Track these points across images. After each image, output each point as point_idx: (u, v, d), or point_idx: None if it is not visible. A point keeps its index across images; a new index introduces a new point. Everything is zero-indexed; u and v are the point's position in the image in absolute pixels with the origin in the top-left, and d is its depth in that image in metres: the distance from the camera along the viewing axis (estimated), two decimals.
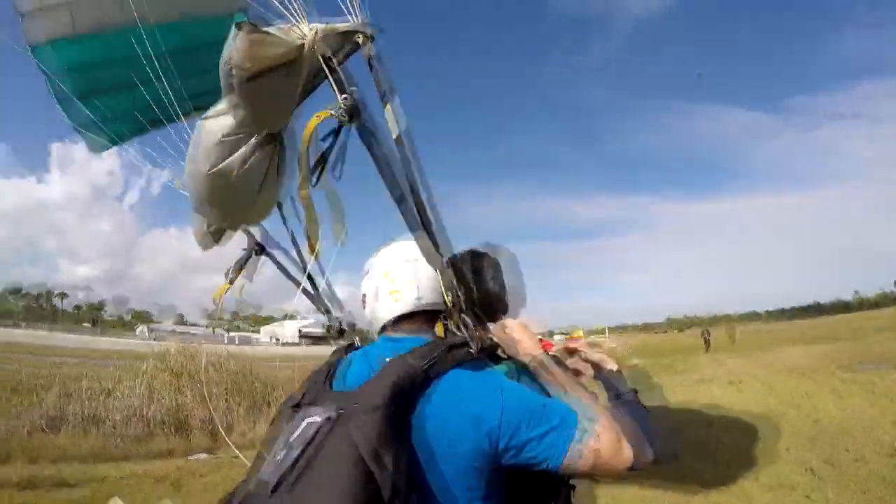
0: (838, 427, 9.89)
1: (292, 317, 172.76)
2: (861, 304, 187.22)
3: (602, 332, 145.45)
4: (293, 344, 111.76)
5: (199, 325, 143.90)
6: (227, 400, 12.60)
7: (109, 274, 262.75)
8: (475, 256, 2.19)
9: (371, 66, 2.15)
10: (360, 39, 2.14)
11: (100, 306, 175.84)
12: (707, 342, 44.10)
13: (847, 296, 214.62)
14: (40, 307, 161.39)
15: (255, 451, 6.00)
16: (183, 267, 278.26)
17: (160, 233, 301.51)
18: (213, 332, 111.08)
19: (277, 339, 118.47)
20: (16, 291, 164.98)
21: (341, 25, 2.08)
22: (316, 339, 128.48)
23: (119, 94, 5.30)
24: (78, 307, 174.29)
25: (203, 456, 9.58)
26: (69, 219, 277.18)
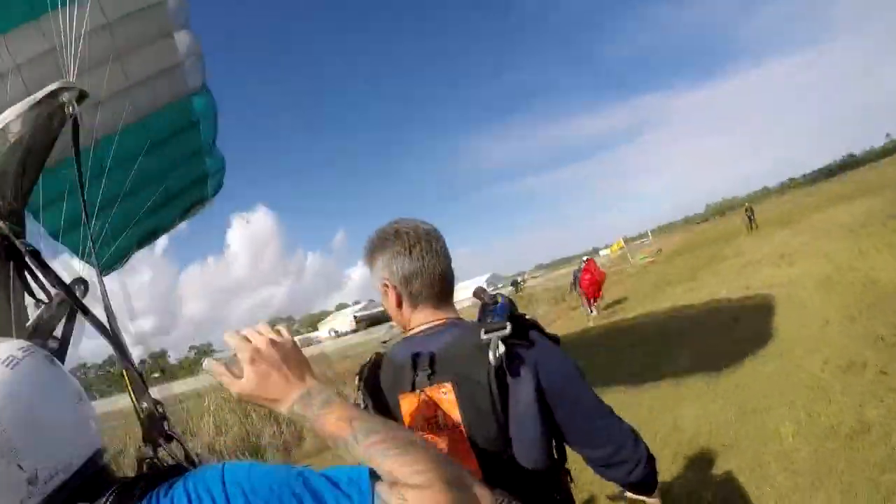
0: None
1: (344, 306, 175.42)
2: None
3: (645, 236, 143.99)
4: (352, 332, 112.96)
5: None
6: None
7: (162, 321, 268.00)
8: None
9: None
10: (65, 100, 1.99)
11: (163, 354, 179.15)
12: (751, 221, 41.36)
13: (879, 142, 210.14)
14: (107, 374, 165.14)
15: (322, 459, 5.98)
16: (229, 292, 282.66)
17: (197, 268, 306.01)
18: None
19: (336, 332, 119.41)
20: (82, 366, 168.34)
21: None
22: (371, 322, 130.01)
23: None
24: (142, 362, 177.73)
25: None
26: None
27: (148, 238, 7.61)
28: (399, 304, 1.88)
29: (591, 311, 19.79)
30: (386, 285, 1.88)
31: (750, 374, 7.44)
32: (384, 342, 2.42)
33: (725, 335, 9.97)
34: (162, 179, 7.17)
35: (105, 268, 6.72)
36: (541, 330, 1.78)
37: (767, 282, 13.86)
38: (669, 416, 6.83)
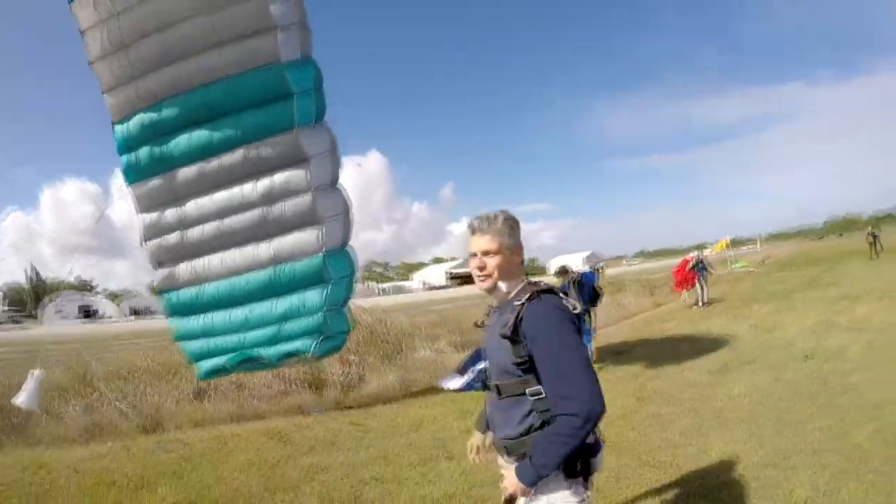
0: None
1: (440, 261, 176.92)
2: None
3: (754, 241, 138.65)
4: (442, 287, 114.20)
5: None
6: (359, 352, 12.81)
7: None
8: None
9: None
10: None
11: None
12: (873, 245, 37.93)
13: None
14: None
15: (385, 405, 8.59)
16: None
17: None
18: (367, 285, 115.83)
19: (427, 284, 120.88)
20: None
21: None
22: (464, 280, 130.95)
23: None
24: None
25: (318, 410, 9.77)
26: None
27: None
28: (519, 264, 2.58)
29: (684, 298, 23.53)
30: (522, 248, 2.57)
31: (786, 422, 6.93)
32: (479, 325, 2.89)
33: (787, 369, 9.42)
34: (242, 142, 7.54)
35: None
36: (554, 293, 2.44)
37: (859, 322, 12.80)
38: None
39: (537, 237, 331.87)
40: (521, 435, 2.36)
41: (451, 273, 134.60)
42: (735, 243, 79.14)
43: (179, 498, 5.55)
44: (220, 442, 7.88)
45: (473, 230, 2.51)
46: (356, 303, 15.74)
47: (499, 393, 2.42)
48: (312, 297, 7.96)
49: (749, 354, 11.03)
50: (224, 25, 7.00)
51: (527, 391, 2.31)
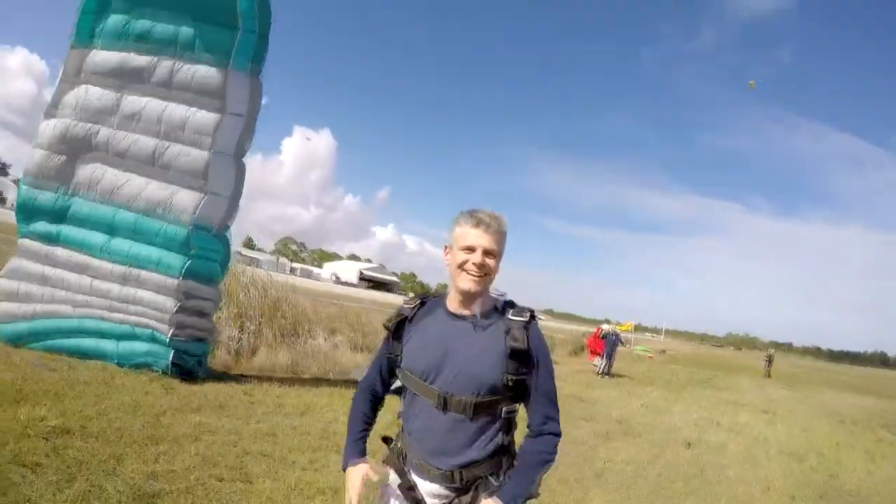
0: (857, 489, 9.32)
1: (355, 258, 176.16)
2: None
3: (658, 332, 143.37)
4: (352, 285, 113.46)
5: (266, 252, 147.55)
6: (259, 322, 12.72)
7: None
8: None
9: None
10: None
11: None
12: (768, 365, 42.70)
13: None
14: None
15: (271, 383, 6.45)
16: (260, 193, 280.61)
17: (245, 156, 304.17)
18: (277, 259, 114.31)
19: (338, 278, 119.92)
20: None
21: None
22: (375, 284, 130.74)
23: None
24: None
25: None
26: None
27: None
28: None
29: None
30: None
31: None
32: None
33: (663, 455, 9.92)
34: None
35: None
36: None
37: (740, 427, 14.01)
38: None
39: None
40: (489, 457, 2.21)
41: (363, 274, 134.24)
42: (639, 328, 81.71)
43: (58, 423, 5.27)
44: (107, 375, 7.63)
45: (479, 223, 2.23)
46: (268, 273, 15.72)
47: (473, 411, 2.17)
48: (172, 260, 8.02)
49: (636, 429, 11.72)
50: None
51: (503, 410, 2.20)
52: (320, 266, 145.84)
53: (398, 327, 2.40)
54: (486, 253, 2.22)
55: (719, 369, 42.52)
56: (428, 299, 2.47)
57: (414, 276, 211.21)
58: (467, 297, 2.26)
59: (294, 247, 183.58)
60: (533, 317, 2.28)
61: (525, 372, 2.19)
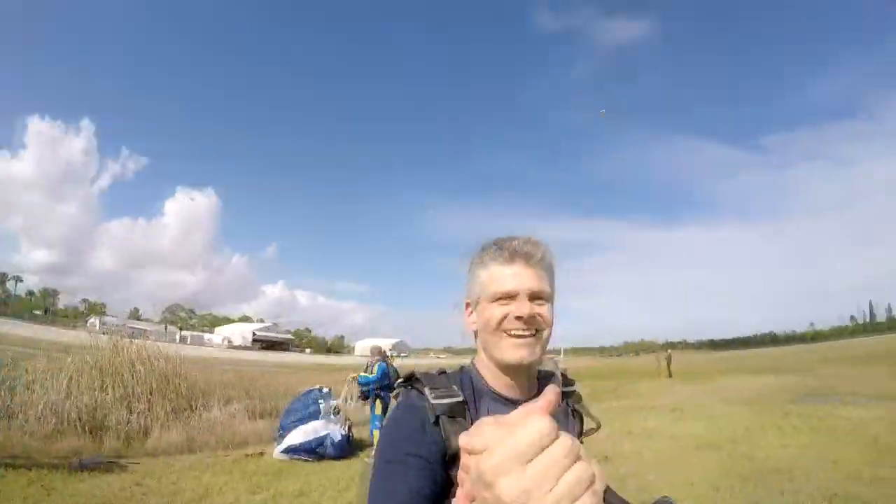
0: (776, 466, 9.45)
1: (247, 320, 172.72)
2: (816, 337, 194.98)
3: (558, 352, 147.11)
4: (245, 347, 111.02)
5: (153, 322, 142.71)
6: (149, 401, 11.98)
7: (69, 260, 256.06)
8: None
9: None
10: None
11: (54, 293, 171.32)
12: (668, 367, 43.70)
13: (803, 328, 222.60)
14: None
15: (164, 460, 5.59)
16: (144, 259, 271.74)
17: (128, 222, 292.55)
18: (165, 329, 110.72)
19: (230, 342, 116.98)
20: None
21: None
22: (270, 345, 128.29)
23: None
24: (31, 293, 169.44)
25: (96, 460, 9.00)
26: (36, 198, 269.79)
27: None
28: None
29: None
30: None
31: None
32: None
33: None
34: None
35: None
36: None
37: (651, 431, 14.13)
38: None
39: (350, 316, 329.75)
40: None
41: (256, 335, 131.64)
42: None
43: None
44: None
45: (515, 257, 1.49)
46: (155, 343, 14.87)
47: None
48: None
49: None
50: None
51: None
52: (211, 331, 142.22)
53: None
54: (534, 297, 1.47)
55: (622, 378, 43.55)
56: (459, 375, 1.55)
57: (308, 330, 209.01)
58: (518, 372, 1.48)
59: (183, 313, 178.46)
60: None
61: None
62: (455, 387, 1.44)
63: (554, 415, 1.10)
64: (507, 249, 1.48)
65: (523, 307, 1.43)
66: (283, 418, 11.50)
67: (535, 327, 1.44)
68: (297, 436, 10.42)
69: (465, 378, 1.51)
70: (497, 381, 1.49)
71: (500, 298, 1.46)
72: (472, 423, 1.11)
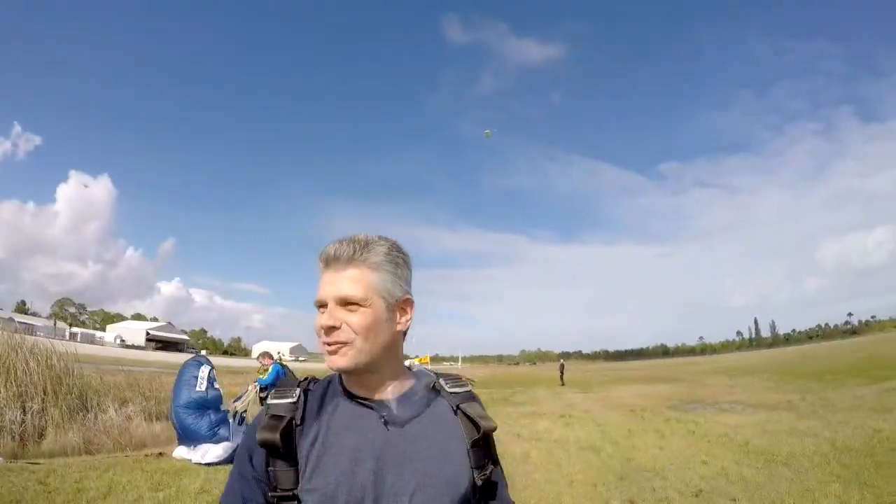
0: (651, 466, 10.29)
1: (140, 318, 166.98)
2: (705, 350, 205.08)
3: (455, 360, 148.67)
4: (139, 347, 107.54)
5: (42, 317, 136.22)
6: (43, 400, 11.79)
7: None
8: None
9: None
10: None
11: None
12: (561, 374, 45.88)
13: (693, 342, 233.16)
14: None
15: (64, 461, 5.79)
16: (33, 247, 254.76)
17: (16, 205, 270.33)
18: (55, 325, 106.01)
19: (123, 341, 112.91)
20: None
21: None
22: (165, 344, 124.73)
23: None
24: None
25: None
26: None
27: None
28: (404, 332, 1.54)
29: None
30: (411, 302, 1.54)
31: None
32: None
33: None
34: None
35: None
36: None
37: (540, 434, 14.87)
38: None
39: (248, 318, 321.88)
40: None
41: (151, 334, 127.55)
42: (436, 360, 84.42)
43: None
44: None
45: (328, 261, 1.47)
46: (45, 341, 14.53)
47: None
48: None
49: None
50: None
51: None
52: (103, 329, 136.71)
53: (283, 437, 1.41)
54: (345, 303, 1.42)
55: (517, 385, 45.06)
56: (311, 384, 1.58)
57: (204, 331, 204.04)
58: (356, 374, 1.49)
59: (73, 309, 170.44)
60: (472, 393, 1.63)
61: (489, 462, 1.56)
62: (299, 389, 1.51)
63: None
64: (323, 255, 1.48)
65: (322, 318, 1.43)
66: (180, 415, 10.73)
67: (337, 339, 1.42)
68: (218, 451, 10.30)
69: (331, 381, 1.57)
70: (351, 382, 1.51)
71: (319, 307, 1.46)
72: (300, 422, 1.43)
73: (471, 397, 1.60)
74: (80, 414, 12.35)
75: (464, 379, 1.67)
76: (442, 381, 1.60)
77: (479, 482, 1.50)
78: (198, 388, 10.77)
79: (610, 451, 11.98)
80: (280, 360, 13.74)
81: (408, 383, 1.55)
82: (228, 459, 10.10)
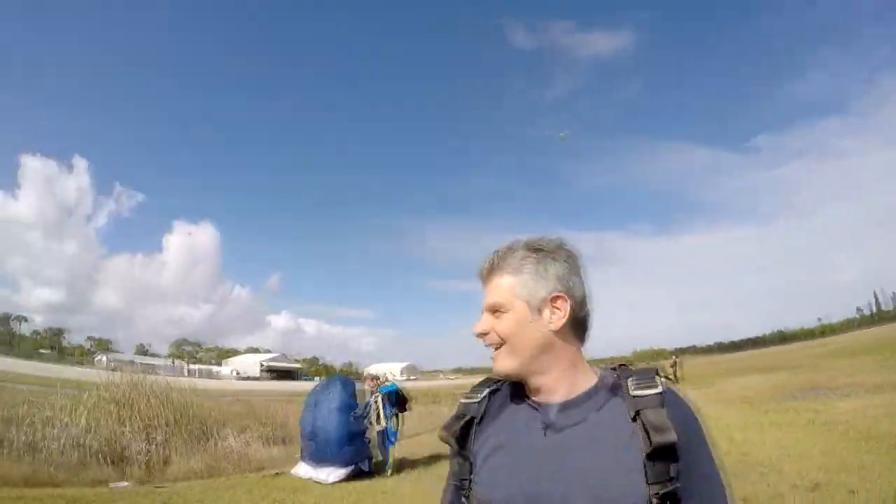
0: (767, 460, 9.78)
1: (254, 350, 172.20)
2: (825, 332, 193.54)
3: None
4: (255, 378, 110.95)
5: (161, 356, 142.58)
6: (166, 432, 12.48)
7: (72, 298, 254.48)
8: None
9: None
10: None
11: (60, 332, 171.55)
12: (675, 372, 42.47)
13: (812, 324, 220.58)
14: None
15: (187, 483, 6.21)
16: (147, 295, 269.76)
17: (127, 258, 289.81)
18: (173, 363, 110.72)
19: (239, 373, 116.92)
20: None
21: None
22: (279, 374, 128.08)
23: None
24: (37, 332, 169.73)
25: (124, 484, 9.51)
26: (34, 237, 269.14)
27: None
28: (561, 329, 1.46)
29: None
30: (563, 298, 1.46)
31: None
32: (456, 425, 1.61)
33: None
34: None
35: None
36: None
37: None
38: None
39: (358, 342, 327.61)
40: None
41: (265, 365, 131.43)
42: None
43: None
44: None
45: (480, 273, 1.56)
46: (166, 378, 15.37)
47: None
48: None
49: None
50: None
51: None
52: (220, 364, 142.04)
53: (464, 435, 1.53)
54: (493, 310, 1.49)
55: None
56: (500, 383, 1.59)
57: (316, 359, 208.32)
58: (520, 379, 1.49)
59: (189, 347, 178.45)
60: (667, 379, 1.47)
61: (675, 477, 1.30)
62: (487, 390, 1.57)
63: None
64: (481, 266, 1.55)
65: (476, 325, 1.51)
66: (331, 436, 10.89)
67: (491, 342, 1.48)
68: (342, 473, 10.58)
69: (515, 384, 1.53)
70: (524, 385, 1.50)
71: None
72: (480, 421, 1.51)
73: (659, 402, 1.36)
74: (202, 442, 13.02)
75: (663, 375, 1.48)
76: (630, 381, 1.43)
77: (656, 500, 1.27)
78: (357, 413, 11.34)
79: (725, 447, 11.28)
80: (385, 381, 13.98)
81: (584, 385, 1.46)
82: (347, 478, 10.42)
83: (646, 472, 1.28)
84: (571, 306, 1.44)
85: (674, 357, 50.57)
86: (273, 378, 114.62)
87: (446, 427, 1.55)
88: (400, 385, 13.74)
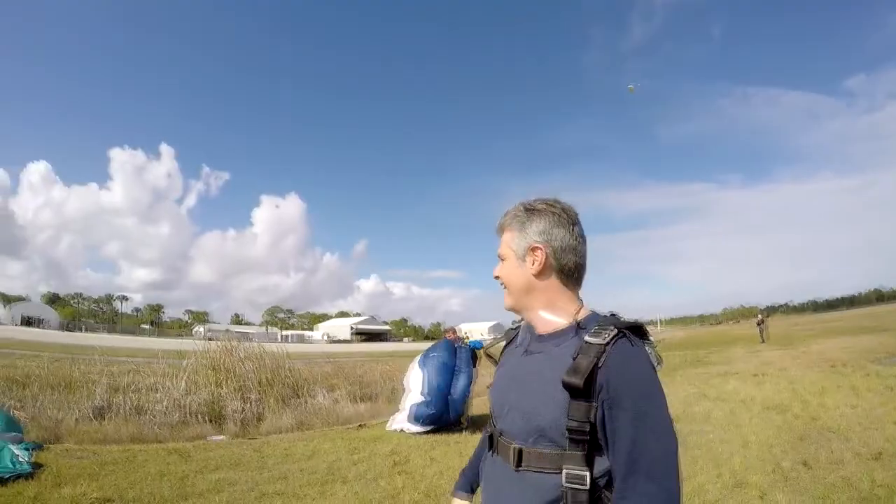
0: (836, 426, 9.62)
1: (344, 315, 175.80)
2: None
3: (654, 324, 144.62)
4: (345, 341, 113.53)
5: (255, 325, 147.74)
6: (259, 392, 13.39)
7: (169, 276, 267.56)
8: None
9: None
10: None
11: (158, 308, 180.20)
12: (761, 331, 42.11)
13: None
14: (102, 311, 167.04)
15: (278, 436, 6.90)
16: (239, 268, 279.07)
17: (219, 235, 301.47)
18: (267, 330, 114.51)
19: (330, 337, 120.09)
20: (77, 296, 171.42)
21: None
22: (369, 336, 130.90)
23: None
24: (137, 309, 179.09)
25: (220, 437, 10.43)
26: (130, 223, 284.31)
27: None
28: (540, 273, 1.77)
29: None
30: (540, 248, 1.76)
31: None
32: (487, 353, 2.29)
33: None
34: None
35: None
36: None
37: (727, 395, 14.43)
38: None
39: (446, 303, 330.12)
40: None
41: (355, 328, 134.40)
42: None
43: (99, 495, 6.06)
44: (129, 454, 8.39)
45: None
46: (259, 344, 16.34)
47: (518, 461, 1.60)
48: None
49: None
50: None
51: (564, 470, 1.51)
52: (311, 329, 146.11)
53: (501, 353, 1.99)
54: (500, 259, 1.90)
55: (714, 345, 43.12)
56: None
57: (405, 321, 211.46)
58: (521, 314, 1.89)
59: (282, 314, 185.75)
60: (622, 334, 1.55)
61: (593, 418, 1.49)
62: (522, 322, 1.94)
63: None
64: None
65: (494, 270, 1.92)
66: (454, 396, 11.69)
67: (501, 283, 1.88)
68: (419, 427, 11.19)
69: None
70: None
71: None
72: (509, 344, 1.96)
73: (598, 351, 1.51)
74: (293, 400, 13.85)
75: (649, 336, 1.66)
76: (596, 327, 1.59)
77: (570, 436, 1.49)
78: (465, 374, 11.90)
79: (797, 410, 11.37)
80: (466, 336, 14.44)
81: (558, 324, 1.73)
82: (428, 431, 11.12)
83: (567, 404, 1.51)
84: (548, 254, 1.74)
85: (760, 315, 49.02)
86: (363, 340, 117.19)
87: (487, 347, 2.22)
88: (486, 343, 14.19)
